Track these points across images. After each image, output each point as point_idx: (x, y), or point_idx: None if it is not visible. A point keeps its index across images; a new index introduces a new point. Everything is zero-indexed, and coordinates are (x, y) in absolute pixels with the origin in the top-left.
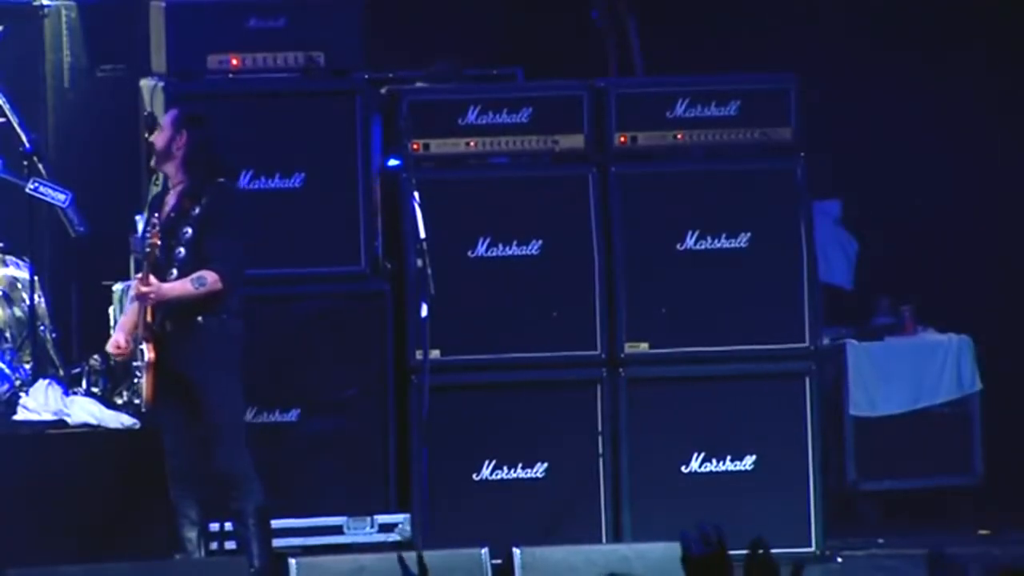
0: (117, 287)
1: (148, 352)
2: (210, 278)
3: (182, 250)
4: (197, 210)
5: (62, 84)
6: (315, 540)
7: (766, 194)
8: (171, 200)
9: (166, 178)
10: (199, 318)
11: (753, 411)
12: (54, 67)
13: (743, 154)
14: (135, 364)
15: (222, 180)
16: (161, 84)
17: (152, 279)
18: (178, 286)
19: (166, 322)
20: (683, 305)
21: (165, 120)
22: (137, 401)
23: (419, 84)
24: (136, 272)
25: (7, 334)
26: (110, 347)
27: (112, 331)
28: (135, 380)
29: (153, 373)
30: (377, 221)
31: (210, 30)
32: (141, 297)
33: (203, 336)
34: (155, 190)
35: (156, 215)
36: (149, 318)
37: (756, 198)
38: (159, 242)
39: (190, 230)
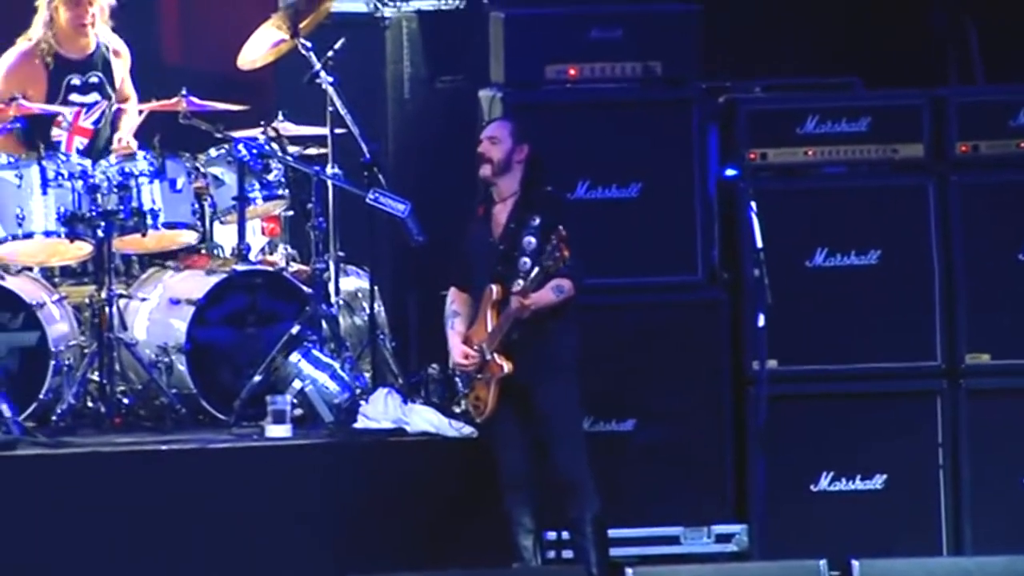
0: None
1: (505, 364)
2: (567, 286)
3: (527, 260)
4: (537, 221)
5: (401, 95)
6: (651, 550)
7: None
8: (503, 212)
9: (489, 189)
10: (546, 326)
11: None
12: (394, 78)
13: None
14: (478, 376)
15: (550, 189)
16: (499, 94)
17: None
18: (544, 296)
19: (513, 331)
20: None
21: (499, 132)
22: (473, 411)
23: (757, 93)
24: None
25: (348, 343)
26: (459, 357)
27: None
28: (471, 389)
29: (500, 384)
30: (714, 230)
31: (548, 40)
32: (521, 310)
33: (548, 345)
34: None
35: (488, 228)
36: (502, 329)
37: None
38: (564, 255)
39: (533, 240)
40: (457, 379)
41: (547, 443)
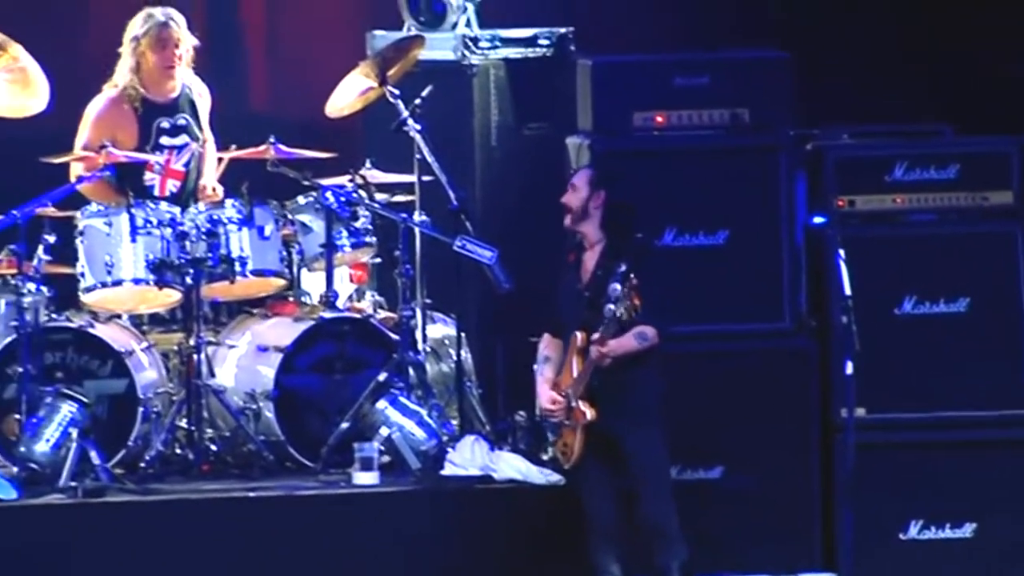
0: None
1: (588, 411)
2: (650, 333)
3: (612, 307)
4: (622, 268)
5: (489, 142)
6: None
7: None
8: (591, 259)
9: (581, 237)
10: (630, 374)
11: None
12: (481, 125)
13: None
14: (565, 422)
15: (640, 236)
16: (587, 142)
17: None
18: (625, 343)
19: (596, 378)
20: None
21: (579, 180)
22: (560, 458)
23: (845, 140)
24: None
25: (434, 390)
26: (546, 403)
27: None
28: (558, 436)
29: (586, 431)
30: (801, 278)
31: (635, 88)
32: (600, 358)
33: (633, 392)
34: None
35: (578, 274)
36: (586, 376)
37: None
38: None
39: (619, 287)
40: (545, 426)
41: (634, 491)
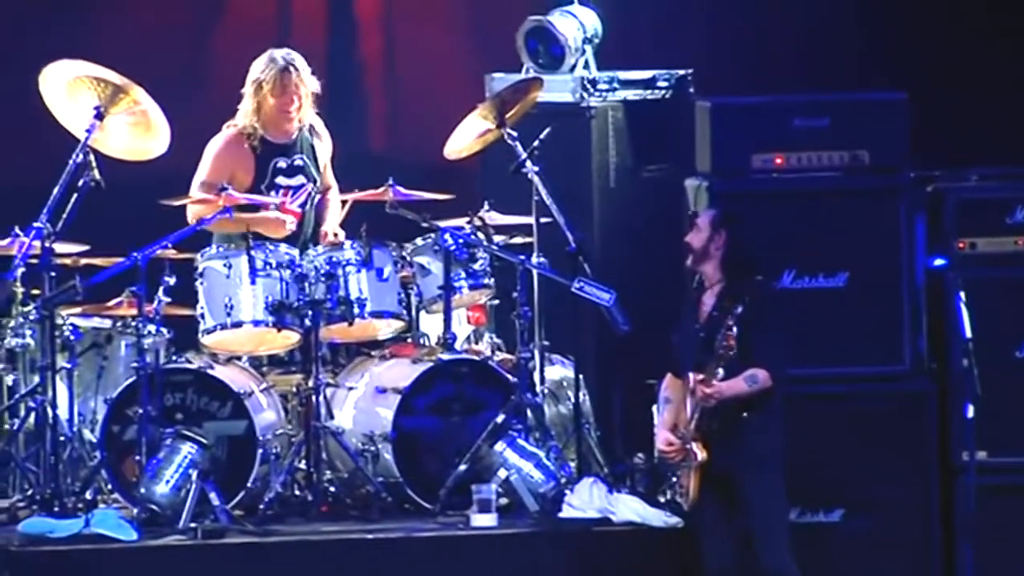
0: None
1: (700, 452)
2: (762, 376)
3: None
4: (740, 309)
5: (607, 184)
6: None
7: None
8: (709, 300)
9: (701, 278)
10: (745, 416)
11: None
12: (599, 167)
13: None
14: (681, 463)
15: (760, 279)
16: (705, 183)
17: (714, 381)
18: (735, 385)
19: (712, 421)
20: None
21: (702, 220)
22: (679, 500)
23: (971, 182)
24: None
25: (553, 432)
26: (661, 444)
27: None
28: (676, 478)
29: (700, 473)
30: (921, 320)
31: (754, 129)
32: (704, 398)
33: (749, 434)
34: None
35: (696, 314)
36: (700, 417)
37: None
38: (731, 344)
39: (735, 329)
40: (663, 468)
41: (751, 535)
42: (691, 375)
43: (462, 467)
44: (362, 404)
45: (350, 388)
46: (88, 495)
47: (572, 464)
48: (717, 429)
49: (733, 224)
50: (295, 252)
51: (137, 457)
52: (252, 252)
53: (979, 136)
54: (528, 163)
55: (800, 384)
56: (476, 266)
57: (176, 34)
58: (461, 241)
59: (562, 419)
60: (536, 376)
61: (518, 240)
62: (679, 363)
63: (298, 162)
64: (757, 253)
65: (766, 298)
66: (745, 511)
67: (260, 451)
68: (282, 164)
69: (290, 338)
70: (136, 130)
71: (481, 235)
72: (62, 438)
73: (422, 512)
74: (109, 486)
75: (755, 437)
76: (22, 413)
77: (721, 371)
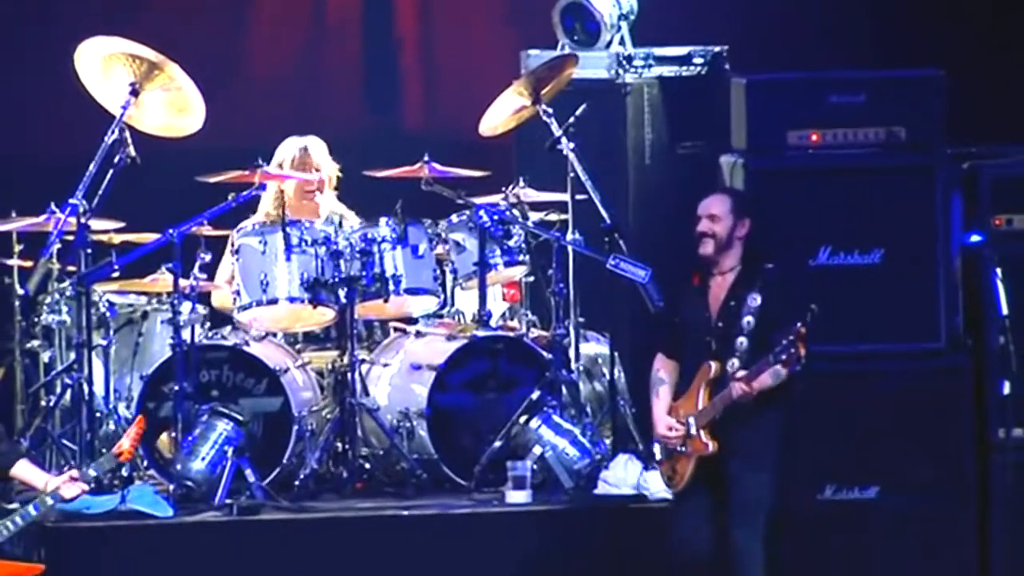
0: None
1: (710, 443)
2: (783, 370)
3: (744, 340)
4: (757, 300)
5: (643, 160)
6: None
7: None
8: (720, 286)
9: (710, 263)
10: (755, 411)
11: None
12: (635, 143)
13: None
14: (679, 449)
15: (770, 266)
16: (741, 160)
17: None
18: (764, 380)
19: (724, 411)
20: None
21: (719, 208)
22: (668, 481)
23: (1003, 159)
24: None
25: (588, 409)
26: (662, 429)
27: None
28: (669, 460)
29: (699, 460)
30: (957, 297)
31: (790, 106)
32: (744, 395)
33: (755, 430)
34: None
35: (704, 300)
36: (717, 408)
37: None
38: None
39: (751, 320)
40: (655, 445)
41: (729, 519)
42: (713, 364)
43: (497, 444)
44: (397, 381)
45: (385, 365)
46: (124, 471)
47: (607, 441)
48: (723, 420)
49: (753, 209)
50: (331, 229)
51: (173, 434)
52: (287, 229)
53: (1016, 112)
54: (563, 140)
55: (835, 361)
56: (511, 243)
57: (211, 11)
58: (496, 218)
59: (597, 396)
60: (571, 353)
61: (553, 217)
62: (678, 345)
63: None
64: (793, 230)
65: (783, 287)
66: (728, 492)
67: (295, 428)
68: None
69: (325, 315)
70: (171, 107)
71: (516, 212)
72: (98, 415)
73: (457, 489)
74: (145, 463)
75: (760, 434)
76: (58, 390)
77: (737, 362)
